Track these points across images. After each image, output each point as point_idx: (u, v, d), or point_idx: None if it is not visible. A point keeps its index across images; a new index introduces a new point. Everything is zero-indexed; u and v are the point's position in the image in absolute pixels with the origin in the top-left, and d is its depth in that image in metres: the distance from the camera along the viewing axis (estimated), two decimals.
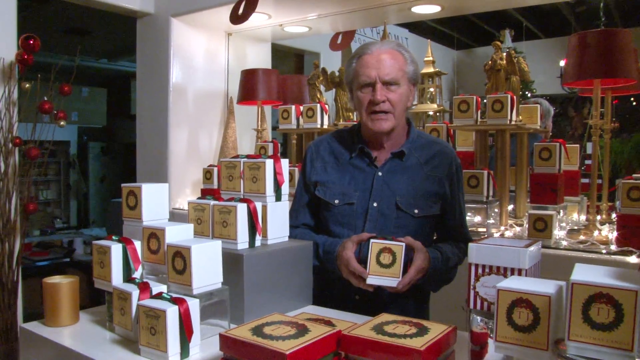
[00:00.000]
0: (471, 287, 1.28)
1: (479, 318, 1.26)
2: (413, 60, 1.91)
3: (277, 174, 1.68)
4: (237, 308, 1.53)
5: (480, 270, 1.27)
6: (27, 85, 3.00)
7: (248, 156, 1.74)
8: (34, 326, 1.61)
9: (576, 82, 2.44)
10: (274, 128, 4.29)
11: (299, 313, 1.57)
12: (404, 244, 1.70)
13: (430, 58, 3.48)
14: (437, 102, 3.45)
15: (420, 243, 1.77)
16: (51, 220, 8.42)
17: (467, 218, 2.67)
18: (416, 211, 1.87)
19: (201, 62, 3.97)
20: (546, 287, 1.09)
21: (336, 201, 1.93)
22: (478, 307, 1.28)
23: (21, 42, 2.88)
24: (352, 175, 1.95)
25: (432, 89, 3.47)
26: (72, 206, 10.23)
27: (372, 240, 1.72)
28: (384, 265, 1.70)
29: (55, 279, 1.63)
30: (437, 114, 3.44)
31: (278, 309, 1.57)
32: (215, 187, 3.21)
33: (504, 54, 2.76)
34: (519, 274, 1.23)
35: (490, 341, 1.20)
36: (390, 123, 1.86)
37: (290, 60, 5.77)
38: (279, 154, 3.20)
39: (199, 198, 1.74)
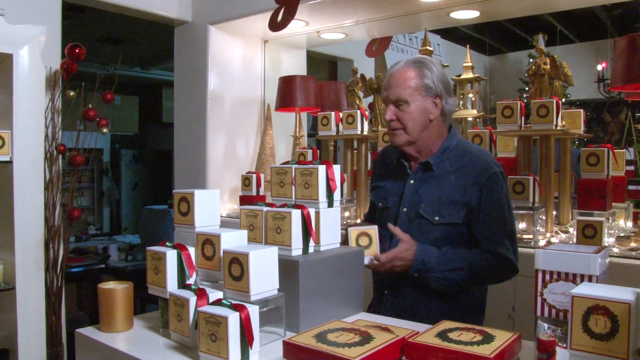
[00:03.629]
0: (538, 293, 1.25)
1: (546, 325, 1.23)
2: (435, 75, 1.97)
3: (329, 179, 1.67)
4: (292, 314, 1.52)
5: (547, 277, 1.24)
6: (72, 93, 3.05)
7: (299, 162, 1.73)
8: (90, 331, 1.63)
9: (625, 86, 2.39)
10: (310, 135, 4.29)
11: (355, 320, 1.55)
12: (376, 227, 1.98)
13: (470, 64, 3.44)
14: (477, 108, 3.41)
15: (408, 236, 1.92)
16: (85, 227, 8.52)
17: None
18: (437, 218, 1.94)
19: (238, 69, 3.99)
20: (624, 294, 1.06)
21: (380, 204, 2.13)
22: (545, 314, 1.24)
23: (67, 51, 2.93)
24: (393, 182, 2.11)
25: (471, 95, 3.44)
26: (105, 213, 10.36)
27: (349, 228, 1.97)
28: (363, 246, 1.94)
29: (110, 285, 1.65)
30: (477, 119, 3.40)
31: (332, 315, 1.56)
32: (254, 193, 3.22)
33: (548, 58, 2.72)
34: (589, 280, 1.20)
35: (559, 349, 1.18)
36: (403, 138, 1.99)
37: (323, 67, 5.78)
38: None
39: (250, 204, 1.75)
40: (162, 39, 4.94)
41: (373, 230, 1.96)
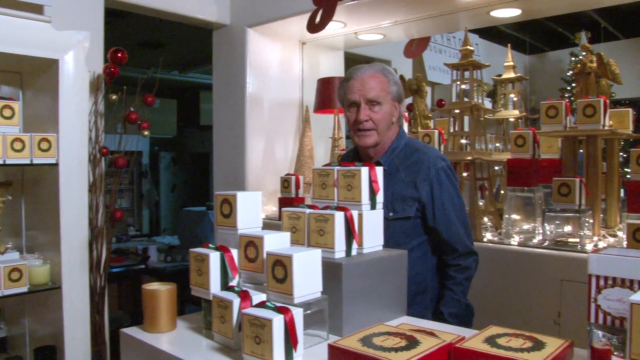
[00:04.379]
0: (592, 300, 1.21)
1: (600, 333, 1.19)
2: (396, 81, 2.14)
3: (372, 181, 1.65)
4: (335, 318, 1.51)
5: (602, 282, 1.19)
6: (114, 97, 3.10)
7: (341, 164, 1.72)
8: (134, 331, 1.64)
9: None
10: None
11: (399, 323, 1.53)
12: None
13: (511, 63, 3.37)
14: (519, 108, 3.34)
15: None
16: (125, 228, 8.67)
17: (556, 228, 2.57)
18: (391, 214, 2.03)
19: (276, 71, 4.00)
20: None
21: None
22: (600, 321, 1.20)
23: (110, 55, 2.98)
24: None
25: (513, 95, 3.37)
26: (144, 214, 10.53)
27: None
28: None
29: (154, 286, 1.66)
30: (519, 120, 3.33)
31: (375, 319, 1.55)
32: (293, 195, 3.22)
33: (594, 56, 2.65)
34: None
35: (615, 358, 1.13)
36: (373, 138, 2.10)
37: None
38: None
39: (289, 206, 1.74)
40: (200, 43, 4.98)
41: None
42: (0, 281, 2.21)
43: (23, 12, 2.30)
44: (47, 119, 2.41)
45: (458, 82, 3.05)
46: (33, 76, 2.57)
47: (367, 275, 1.59)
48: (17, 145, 2.24)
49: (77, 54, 2.38)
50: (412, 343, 1.19)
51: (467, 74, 3.02)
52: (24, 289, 2.28)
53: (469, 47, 3.01)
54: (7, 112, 2.26)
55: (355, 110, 2.10)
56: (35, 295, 2.46)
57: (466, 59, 2.99)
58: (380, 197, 1.68)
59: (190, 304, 4.46)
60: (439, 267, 2.13)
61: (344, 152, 2.46)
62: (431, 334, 1.36)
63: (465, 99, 3.00)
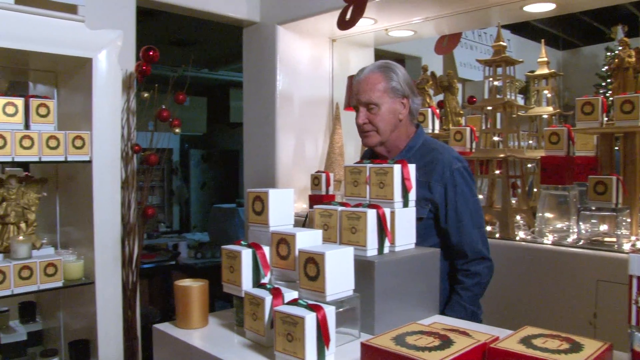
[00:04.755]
0: (632, 301, 1.17)
1: None
2: (400, 77, 2.11)
3: (404, 179, 1.63)
4: (367, 316, 1.50)
5: None
6: (146, 94, 3.13)
7: (373, 161, 1.71)
8: (166, 327, 1.65)
9: None
10: None
11: (431, 322, 1.51)
12: None
13: (545, 59, 3.31)
14: (553, 105, 3.28)
15: None
16: (156, 225, 8.77)
17: (592, 227, 2.52)
18: None
19: (306, 68, 3.99)
20: None
21: None
22: None
23: (142, 54, 3.01)
24: None
25: (547, 91, 3.31)
26: (174, 211, 10.65)
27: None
28: None
29: (186, 282, 1.67)
30: (553, 117, 3.27)
31: (407, 317, 1.53)
32: (324, 193, 3.21)
33: (633, 50, 2.58)
34: None
35: None
36: (375, 139, 2.13)
37: None
38: None
39: (320, 203, 1.73)
40: (230, 41, 5.00)
41: None
42: (37, 276, 2.25)
43: (58, 12, 2.33)
44: (81, 117, 2.45)
45: (490, 79, 3.00)
46: (67, 75, 2.61)
47: (400, 273, 1.58)
48: (52, 143, 2.28)
49: (110, 52, 2.40)
50: (445, 342, 1.17)
51: (499, 70, 2.97)
52: (59, 284, 2.32)
53: (501, 42, 2.96)
54: (42, 111, 2.30)
55: (358, 113, 2.14)
56: (70, 290, 2.50)
57: (499, 55, 2.94)
58: (412, 195, 1.67)
59: (219, 300, 4.50)
60: (450, 271, 2.10)
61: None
62: (464, 333, 1.34)
63: (498, 96, 2.95)
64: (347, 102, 3.62)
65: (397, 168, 1.62)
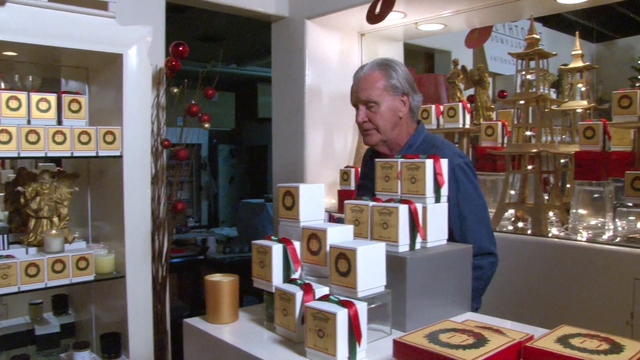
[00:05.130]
0: None
1: None
2: (400, 74, 2.10)
3: (437, 174, 1.61)
4: (398, 313, 1.48)
5: None
6: (176, 90, 3.14)
7: (404, 156, 1.68)
8: (197, 322, 1.65)
9: None
10: None
11: (464, 320, 1.48)
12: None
13: (579, 51, 3.23)
14: (588, 99, 3.20)
15: None
16: (185, 219, 8.85)
17: (628, 224, 2.46)
18: None
19: (335, 63, 3.97)
20: None
21: None
22: None
23: (171, 49, 3.02)
24: (371, 181, 2.21)
25: (581, 85, 3.23)
26: (203, 206, 10.73)
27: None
28: None
29: (216, 277, 1.67)
30: (587, 111, 3.20)
31: (439, 314, 1.51)
32: (353, 188, 3.19)
33: None
34: None
35: None
36: (376, 138, 2.12)
37: (420, 59, 5.66)
38: None
39: (349, 199, 1.72)
40: (257, 36, 5.00)
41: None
42: (69, 269, 2.27)
43: (90, 9, 2.35)
44: (112, 112, 2.47)
45: (523, 72, 2.94)
46: (98, 71, 2.63)
47: (432, 269, 1.55)
48: (84, 138, 2.30)
49: (140, 48, 2.41)
50: (480, 341, 1.15)
51: (532, 63, 2.91)
52: (90, 277, 2.34)
53: (534, 35, 2.90)
54: (74, 106, 2.33)
55: (357, 112, 2.14)
56: (101, 283, 2.53)
57: (532, 48, 2.88)
58: (444, 190, 1.64)
59: (248, 295, 4.51)
60: None
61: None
62: (498, 331, 1.31)
63: (530, 90, 2.89)
64: None
65: (429, 163, 1.59)
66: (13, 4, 2.11)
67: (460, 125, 3.05)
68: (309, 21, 3.79)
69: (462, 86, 3.42)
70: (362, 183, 2.40)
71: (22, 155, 2.17)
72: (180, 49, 3.01)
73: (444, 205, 1.65)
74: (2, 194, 2.70)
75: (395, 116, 2.11)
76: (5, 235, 2.33)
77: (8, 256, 2.21)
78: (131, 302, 2.42)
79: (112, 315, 2.56)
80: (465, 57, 5.24)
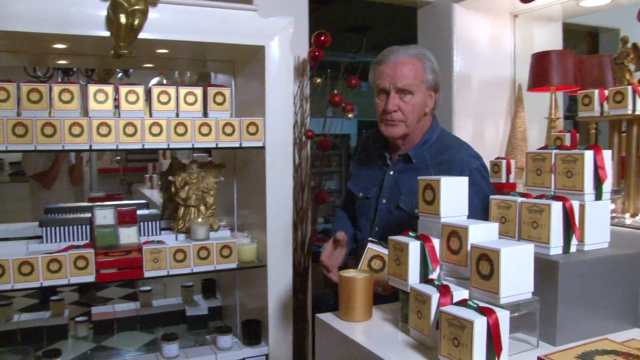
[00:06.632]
0: None
1: None
2: (434, 68, 1.98)
3: (598, 167, 1.41)
4: (547, 323, 1.32)
5: None
6: (319, 80, 3.14)
7: (560, 147, 1.50)
8: (329, 317, 1.61)
9: None
10: (566, 117, 3.87)
11: (628, 339, 1.28)
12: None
13: None
14: None
15: None
16: (333, 209, 8.96)
17: None
18: (416, 211, 1.72)
19: (485, 48, 3.76)
20: None
21: (360, 194, 2.13)
22: None
23: (313, 39, 3.02)
24: (372, 172, 2.12)
25: None
26: None
27: (368, 245, 1.87)
28: (374, 270, 1.82)
29: (351, 273, 1.61)
30: None
31: (596, 330, 1.34)
32: (504, 181, 2.97)
33: None
34: None
35: None
36: (401, 130, 1.97)
37: (581, 40, 5.18)
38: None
39: (500, 193, 1.57)
40: (403, 24, 4.88)
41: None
42: (213, 256, 2.35)
43: (234, 4, 2.40)
44: (255, 103, 2.51)
45: None
46: (243, 64, 2.69)
47: (589, 276, 1.36)
48: (228, 130, 2.35)
49: (282, 39, 2.42)
50: None
51: None
52: (233, 265, 2.40)
53: None
54: (219, 99, 2.39)
55: (384, 98, 1.97)
56: (244, 271, 2.59)
57: None
58: (607, 186, 1.43)
59: None
60: None
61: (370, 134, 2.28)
62: None
63: None
64: (531, 83, 3.32)
65: (588, 155, 1.40)
66: (164, 4, 2.21)
67: (630, 112, 2.69)
68: (457, 5, 3.61)
69: (632, 67, 3.03)
70: (354, 172, 2.24)
71: (171, 146, 2.28)
72: (322, 38, 3.01)
73: (605, 203, 1.44)
74: (160, 183, 2.88)
75: (422, 111, 1.99)
76: (158, 222, 2.47)
77: (159, 241, 2.34)
78: (272, 291, 2.45)
79: (254, 302, 2.62)
80: (637, 35, 4.70)
